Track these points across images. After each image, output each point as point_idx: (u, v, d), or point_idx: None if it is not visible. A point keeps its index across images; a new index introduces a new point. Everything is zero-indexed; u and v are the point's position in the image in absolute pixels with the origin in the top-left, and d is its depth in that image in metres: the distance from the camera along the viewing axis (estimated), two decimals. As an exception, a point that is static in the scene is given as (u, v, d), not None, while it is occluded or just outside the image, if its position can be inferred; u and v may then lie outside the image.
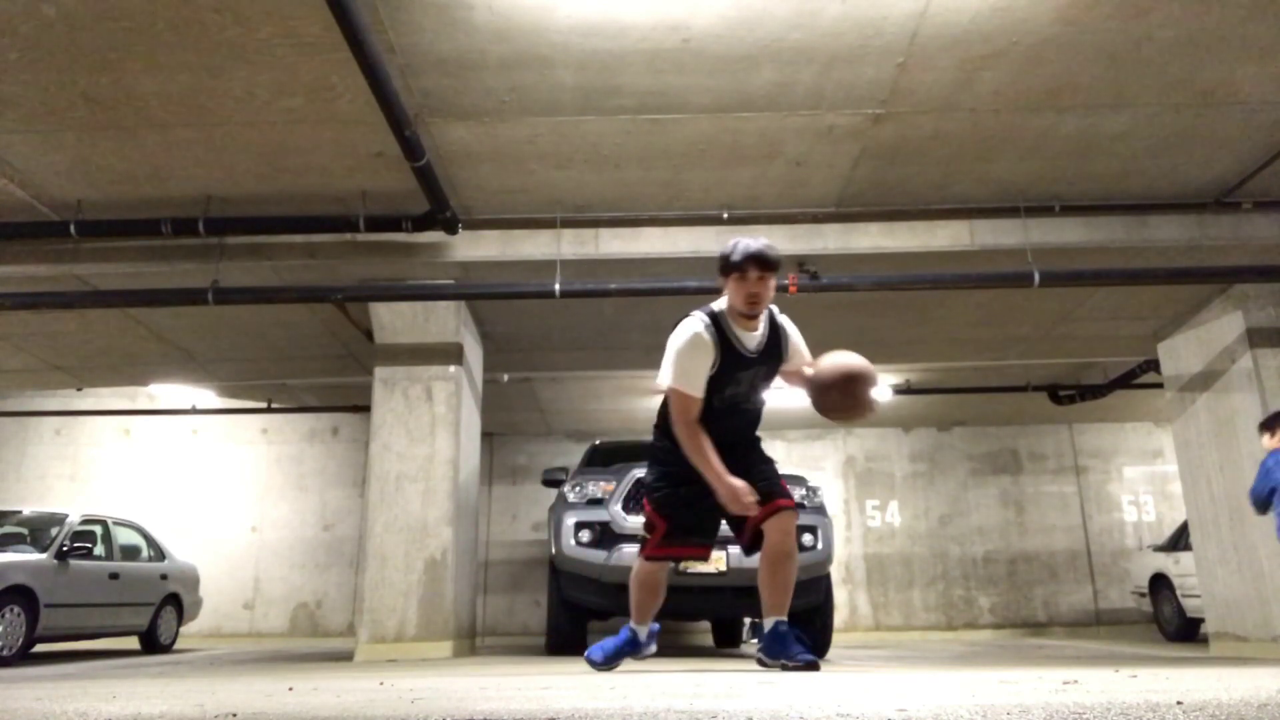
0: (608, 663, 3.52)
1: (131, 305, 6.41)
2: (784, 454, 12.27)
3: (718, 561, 5.41)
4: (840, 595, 11.50)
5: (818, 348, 3.56)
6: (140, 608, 8.32)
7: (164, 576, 8.81)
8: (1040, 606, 11.85)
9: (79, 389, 10.68)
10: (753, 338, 3.32)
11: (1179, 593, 9.07)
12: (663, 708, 1.70)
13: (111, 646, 9.15)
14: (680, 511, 3.41)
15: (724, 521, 3.49)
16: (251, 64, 4.42)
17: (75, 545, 7.38)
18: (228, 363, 8.57)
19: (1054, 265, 6.01)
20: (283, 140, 5.13)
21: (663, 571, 3.56)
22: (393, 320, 6.62)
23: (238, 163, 5.36)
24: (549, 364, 8.65)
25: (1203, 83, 4.74)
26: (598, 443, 8.32)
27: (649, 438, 3.66)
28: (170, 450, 11.99)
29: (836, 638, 7.65)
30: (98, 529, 8.10)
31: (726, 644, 9.06)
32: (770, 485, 3.34)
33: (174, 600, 8.93)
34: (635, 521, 5.55)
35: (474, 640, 6.93)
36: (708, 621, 9.78)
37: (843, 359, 3.30)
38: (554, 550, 5.96)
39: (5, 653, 6.44)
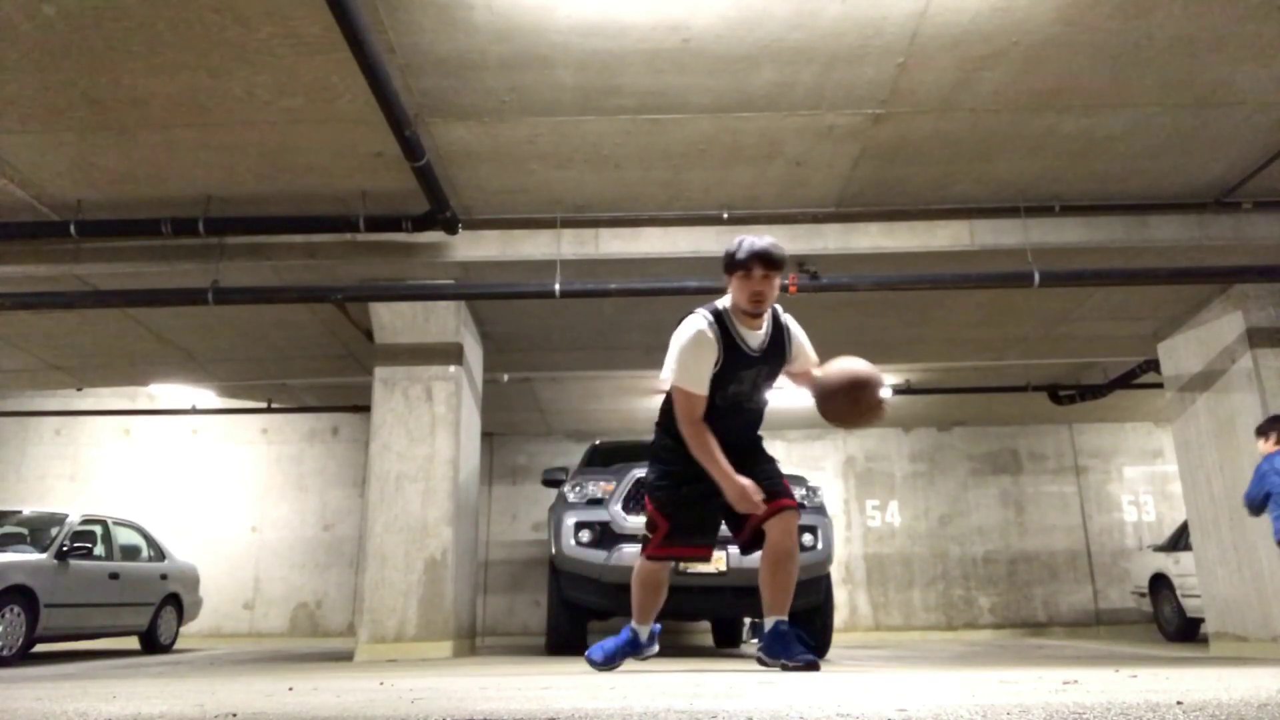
0: (608, 663, 3.52)
1: (131, 305, 6.41)
2: (784, 454, 12.27)
3: (718, 561, 5.41)
4: (840, 595, 11.50)
5: (818, 348, 3.56)
6: (140, 608, 8.32)
7: (164, 576, 8.81)
8: (1040, 606, 11.85)
9: (79, 389, 10.69)
10: (756, 336, 3.32)
11: (1179, 593, 9.07)
12: (663, 708, 1.70)
13: (111, 646, 9.15)
14: (682, 511, 3.40)
15: (723, 521, 3.49)
16: (251, 64, 4.42)
17: (75, 545, 7.38)
18: (228, 363, 8.58)
19: (1054, 265, 6.02)
20: (283, 140, 5.13)
21: (664, 571, 3.55)
22: (393, 320, 6.62)
23: (238, 163, 5.36)
24: (549, 364, 8.65)
25: (1203, 83, 4.74)
26: (598, 443, 8.32)
27: (649, 438, 3.66)
28: (170, 450, 11.99)
29: (836, 638, 7.65)
30: (98, 529, 8.10)
31: (726, 644, 9.06)
32: (773, 485, 3.33)
33: (174, 600, 8.93)
34: (635, 521, 5.54)
35: (474, 640, 6.93)
36: (708, 621, 9.78)
37: (849, 365, 3.29)
38: (554, 550, 5.96)
39: (5, 653, 6.44)
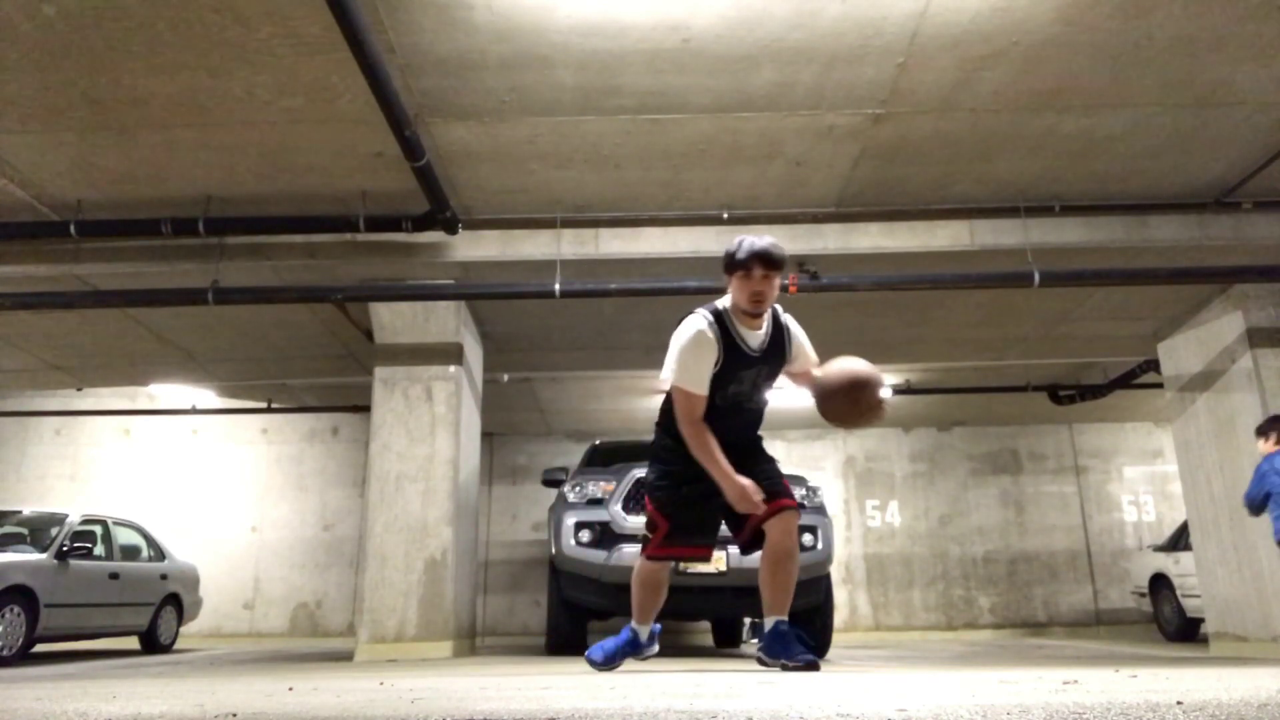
0: (608, 663, 3.52)
1: (131, 305, 6.41)
2: (784, 454, 12.27)
3: (718, 561, 5.41)
4: (840, 595, 11.50)
5: (818, 348, 3.56)
6: (140, 608, 8.32)
7: (164, 576, 8.81)
8: (1040, 606, 11.85)
9: (79, 389, 10.69)
10: (756, 336, 3.32)
11: (1179, 593, 9.07)
12: (663, 708, 1.70)
13: (111, 646, 9.15)
14: (682, 511, 3.40)
15: (723, 521, 3.49)
16: (251, 64, 4.42)
17: (75, 545, 7.38)
18: (228, 363, 8.58)
19: (1054, 265, 6.02)
20: (283, 140, 5.13)
21: (664, 571, 3.55)
22: (393, 320, 6.62)
23: (238, 163, 5.36)
24: (549, 364, 8.65)
25: (1203, 83, 4.74)
26: (598, 443, 8.32)
27: (649, 438, 3.65)
28: (170, 450, 11.99)
29: (836, 638, 7.65)
30: (98, 529, 8.10)
31: (726, 644, 9.06)
32: (773, 485, 3.33)
33: (174, 600, 8.93)
34: (635, 521, 5.54)
35: (474, 640, 6.93)
36: (708, 621, 9.78)
37: (849, 365, 3.28)
38: (554, 550, 5.96)
39: (5, 653, 6.44)
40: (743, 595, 5.43)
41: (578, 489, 6.01)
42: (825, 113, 4.99)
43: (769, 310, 3.33)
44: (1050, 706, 1.61)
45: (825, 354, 3.54)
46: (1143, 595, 10.00)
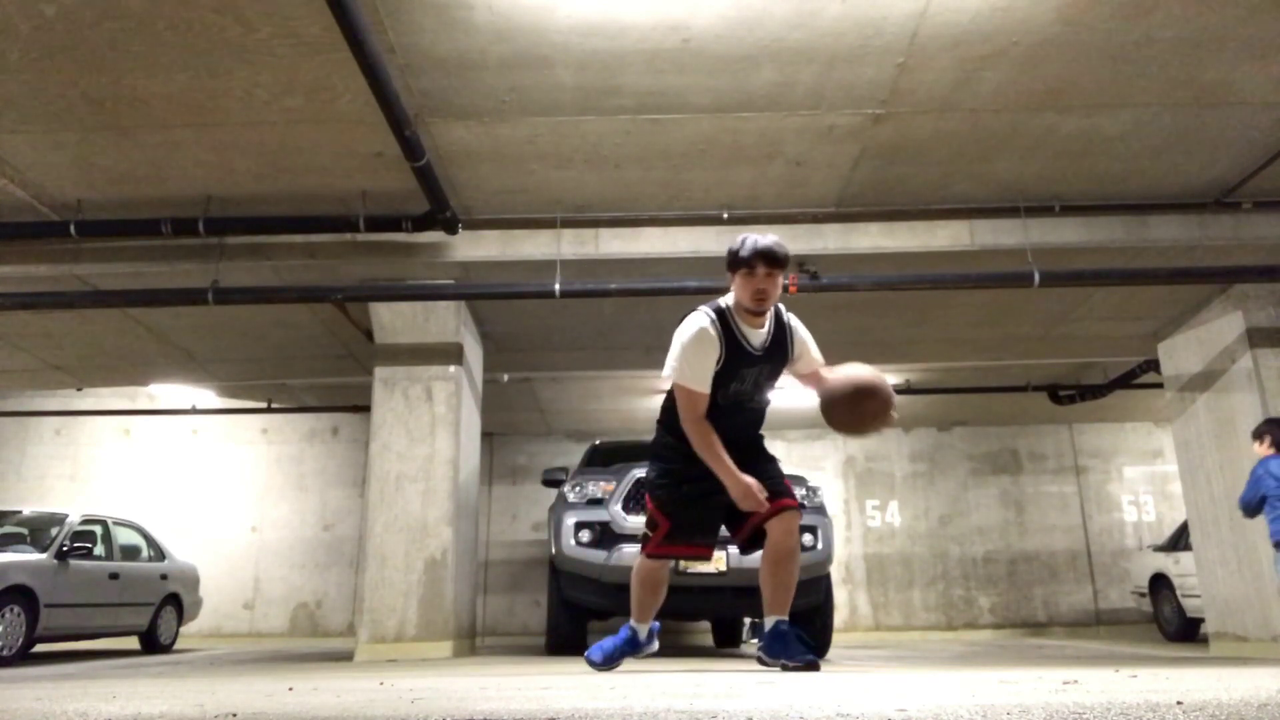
0: (608, 663, 3.52)
1: (131, 305, 6.41)
2: (784, 454, 12.26)
3: (718, 561, 5.41)
4: (840, 595, 11.50)
5: (819, 348, 3.55)
6: (140, 608, 8.32)
7: (164, 576, 8.81)
8: (1040, 606, 11.85)
9: (79, 389, 10.69)
10: (759, 335, 3.31)
11: (1179, 593, 9.07)
12: (663, 708, 1.70)
13: (111, 646, 9.15)
14: (683, 510, 3.40)
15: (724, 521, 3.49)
16: (251, 64, 4.42)
17: (75, 545, 7.38)
18: (228, 363, 8.58)
19: (1054, 265, 6.02)
20: (283, 140, 5.13)
21: (664, 570, 3.55)
22: (393, 320, 6.62)
23: (238, 163, 5.36)
24: (549, 364, 8.65)
25: (1203, 83, 4.74)
26: (598, 443, 8.32)
27: (649, 437, 3.65)
28: (170, 450, 11.99)
29: (836, 638, 7.65)
30: (98, 529, 8.10)
31: (726, 644, 9.06)
32: (775, 484, 3.33)
33: (174, 600, 8.93)
34: (635, 521, 5.55)
35: (474, 640, 6.93)
36: (708, 621, 9.78)
37: (854, 372, 3.27)
38: (554, 550, 5.96)
39: (5, 653, 6.44)
40: (743, 595, 5.43)
41: (578, 489, 6.01)
42: (825, 113, 4.99)
43: (772, 309, 3.32)
44: (1050, 706, 1.61)
45: (825, 354, 3.54)
46: (1143, 595, 9.99)
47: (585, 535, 5.75)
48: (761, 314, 3.28)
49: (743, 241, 3.24)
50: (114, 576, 7.91)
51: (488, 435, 11.39)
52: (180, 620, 9.13)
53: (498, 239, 6.21)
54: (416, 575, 6.09)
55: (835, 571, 9.45)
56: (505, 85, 4.69)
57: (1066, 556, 12.04)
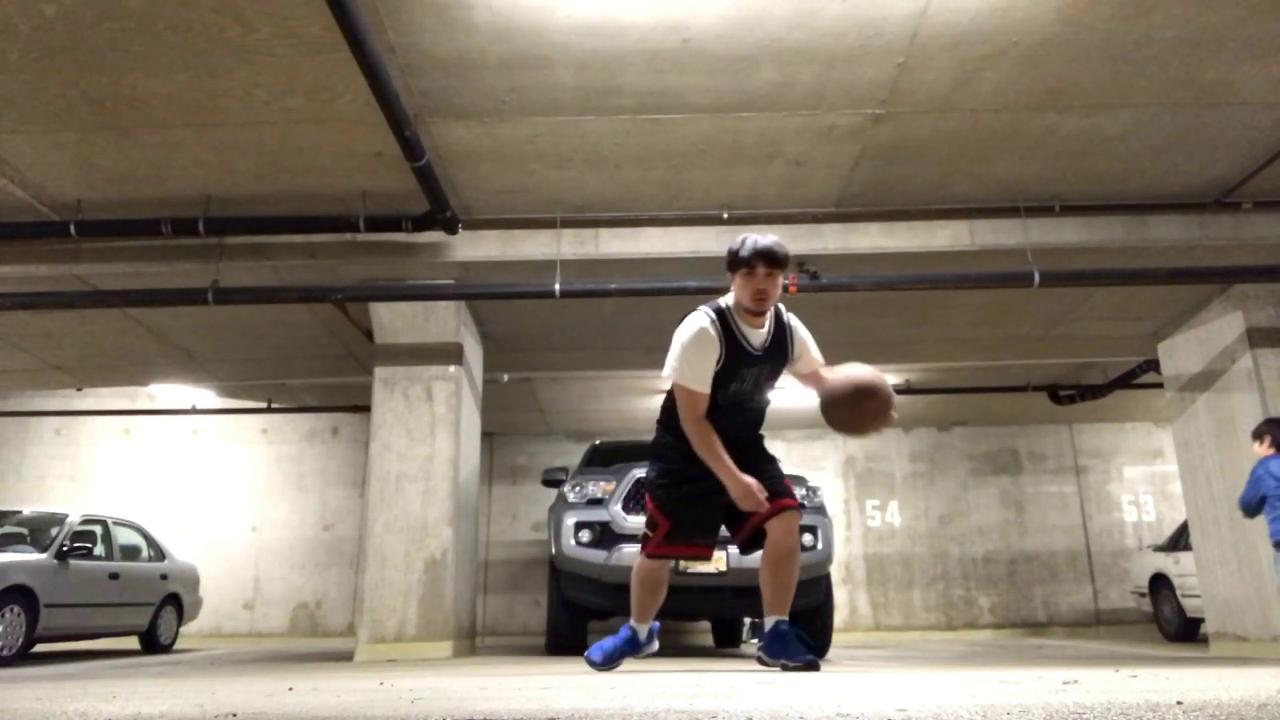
0: (608, 663, 3.52)
1: (131, 305, 6.41)
2: (784, 454, 12.26)
3: (718, 561, 5.41)
4: (840, 595, 11.50)
5: (819, 348, 3.55)
6: (140, 608, 8.32)
7: (164, 576, 8.81)
8: (1040, 606, 11.85)
9: (79, 389, 10.69)
10: (759, 335, 3.31)
11: (1179, 593, 9.07)
12: (663, 708, 1.70)
13: (111, 646, 9.15)
14: (683, 510, 3.40)
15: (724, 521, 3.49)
16: (251, 64, 4.42)
17: (75, 545, 7.38)
18: (228, 363, 8.58)
19: (1054, 265, 6.01)
20: (283, 140, 5.13)
21: (664, 570, 3.55)
22: (393, 320, 6.62)
23: (238, 163, 5.36)
24: (549, 364, 8.65)
25: (1203, 83, 4.74)
26: (598, 443, 8.32)
27: (649, 437, 3.65)
28: (170, 450, 11.99)
29: (836, 638, 7.65)
30: (98, 529, 8.09)
31: (726, 644, 9.06)
32: (775, 484, 3.33)
33: (174, 600, 8.93)
34: (635, 521, 5.55)
35: (474, 640, 6.93)
36: (708, 621, 9.78)
37: (853, 372, 3.27)
38: (554, 550, 5.96)
39: (5, 653, 6.44)
40: (743, 595, 5.43)
41: (578, 489, 6.01)
42: (825, 113, 4.99)
43: (772, 309, 3.32)
44: (1050, 706, 1.61)
45: (825, 354, 3.54)
46: (1143, 595, 9.99)
47: (585, 535, 5.75)
48: (761, 314, 3.28)
49: (743, 241, 3.24)
50: (114, 576, 7.91)
51: (488, 435, 11.39)
52: (180, 620, 9.13)
53: (498, 239, 6.21)
54: (416, 575, 6.09)
55: (835, 571, 9.45)
56: (505, 85, 4.69)
57: (1066, 556, 12.04)
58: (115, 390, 11.12)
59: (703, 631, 10.81)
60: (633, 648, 3.55)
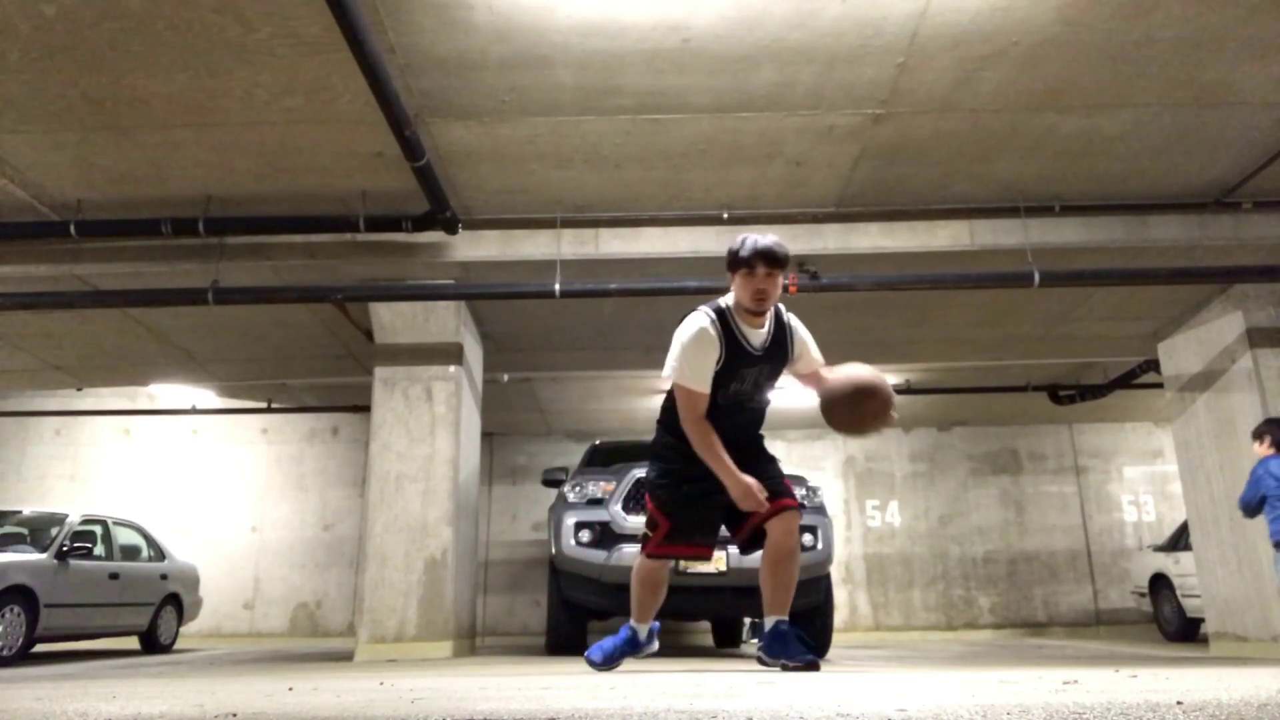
0: (607, 663, 3.52)
1: (131, 305, 6.41)
2: (784, 454, 12.26)
3: (718, 561, 5.41)
4: (840, 595, 11.50)
5: (819, 348, 3.55)
6: (140, 608, 8.32)
7: (164, 576, 8.81)
8: (1040, 606, 11.85)
9: (79, 389, 10.69)
10: (759, 335, 3.31)
11: (1179, 593, 9.07)
12: (663, 708, 1.70)
13: (111, 646, 9.15)
14: (683, 510, 3.40)
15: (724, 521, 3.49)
16: (251, 64, 4.42)
17: (75, 545, 7.38)
18: (228, 363, 8.58)
19: (1054, 265, 6.01)
20: (283, 140, 5.13)
21: (664, 570, 3.55)
22: (393, 320, 6.62)
23: (238, 163, 5.36)
24: (549, 364, 8.65)
25: (1203, 83, 4.74)
26: (598, 443, 8.32)
27: (649, 437, 3.65)
28: (170, 450, 11.99)
29: (836, 638, 7.65)
30: (98, 529, 8.09)
31: (726, 644, 9.06)
32: (775, 484, 3.33)
33: (174, 600, 8.93)
34: (635, 521, 5.55)
35: (474, 640, 6.93)
36: (708, 621, 9.78)
37: (853, 372, 3.27)
38: (554, 550, 5.96)
39: (5, 653, 6.44)
40: (743, 595, 5.43)
41: (578, 489, 6.01)
42: (825, 113, 4.99)
43: (772, 309, 3.33)
44: (1050, 706, 1.61)
45: (825, 354, 3.54)
46: (1143, 595, 9.99)
47: (585, 535, 5.75)
48: (761, 314, 3.28)
49: (743, 241, 3.24)
50: (114, 576, 7.91)
51: (488, 435, 11.40)
52: (180, 620, 9.13)
53: (498, 239, 6.21)
54: (416, 575, 6.09)
55: (835, 571, 9.45)
56: (505, 85, 4.69)
57: (1066, 556, 12.04)
58: (115, 390, 11.12)
59: (703, 631, 10.81)
60: (633, 648, 3.55)
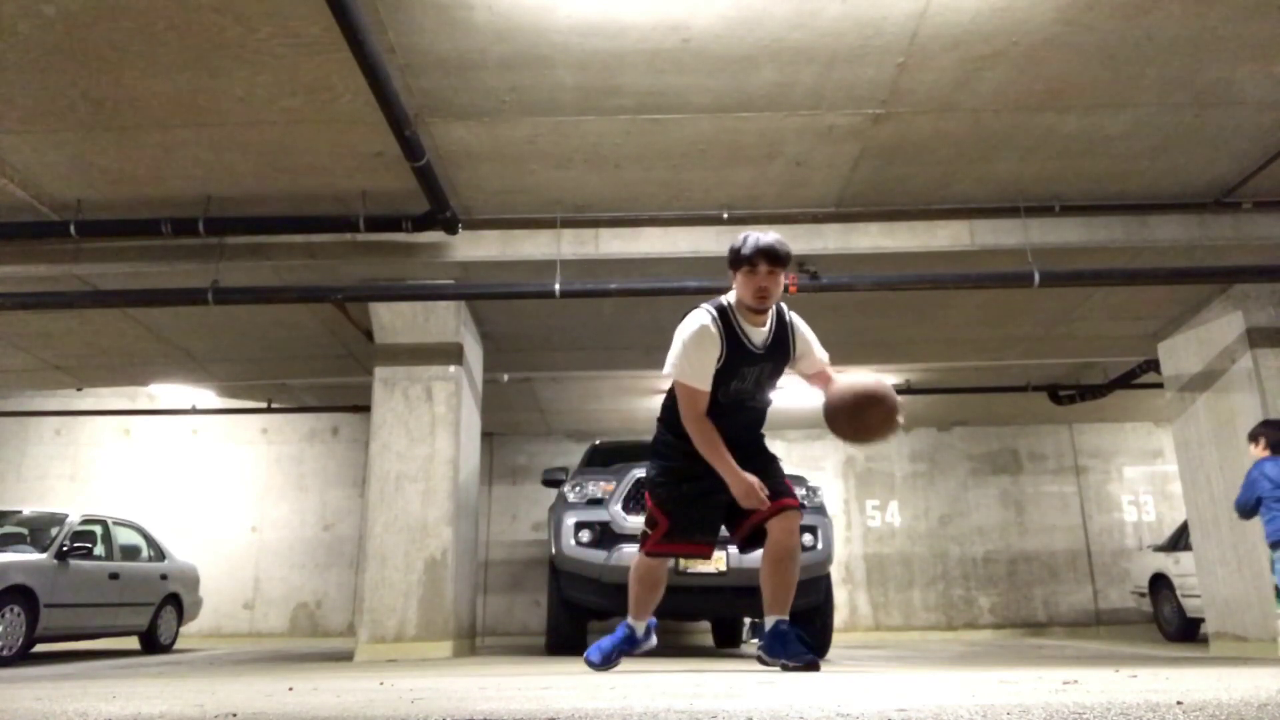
0: (606, 663, 3.52)
1: (131, 305, 6.41)
2: (784, 454, 12.25)
3: (718, 561, 5.41)
4: (840, 595, 11.50)
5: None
6: (140, 608, 8.32)
7: (164, 576, 8.81)
8: (1040, 606, 11.85)
9: (79, 389, 10.68)
10: (760, 333, 3.31)
11: (1179, 593, 9.07)
12: (663, 708, 1.70)
13: (111, 646, 9.15)
14: (682, 509, 3.40)
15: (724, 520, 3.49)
16: (251, 64, 4.42)
17: (75, 545, 7.38)
18: (228, 363, 8.58)
19: (1054, 265, 6.01)
20: (283, 140, 5.13)
21: (663, 568, 3.55)
22: (393, 320, 6.62)
23: (238, 163, 5.36)
24: (549, 364, 8.66)
25: (1203, 83, 4.74)
26: (598, 443, 8.32)
27: (649, 437, 3.65)
28: (170, 450, 11.99)
29: (836, 638, 7.65)
30: (98, 529, 8.10)
31: (726, 644, 9.06)
32: (776, 484, 3.33)
33: (174, 600, 8.93)
34: (635, 521, 5.54)
35: (474, 640, 6.93)
36: (708, 621, 9.78)
37: (857, 382, 3.26)
38: (554, 550, 5.96)
39: (5, 653, 6.44)
40: (743, 595, 5.43)
41: (578, 489, 6.01)
42: (825, 113, 4.99)
43: (773, 307, 3.32)
44: (1050, 706, 1.61)
45: (826, 354, 3.53)
46: (1143, 595, 10.00)
47: (585, 535, 5.75)
48: (763, 312, 3.28)
49: (744, 239, 3.24)
50: (114, 576, 7.91)
51: (488, 435, 11.40)
52: (180, 620, 9.13)
53: (498, 239, 6.21)
54: (416, 575, 6.09)
55: (835, 571, 9.46)
56: (505, 85, 4.69)
57: (1066, 556, 12.04)
58: (115, 390, 11.12)
59: (703, 631, 10.81)
60: (630, 645, 3.55)
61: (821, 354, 3.49)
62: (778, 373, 3.43)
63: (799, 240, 6.09)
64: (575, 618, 6.05)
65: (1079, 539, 12.12)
